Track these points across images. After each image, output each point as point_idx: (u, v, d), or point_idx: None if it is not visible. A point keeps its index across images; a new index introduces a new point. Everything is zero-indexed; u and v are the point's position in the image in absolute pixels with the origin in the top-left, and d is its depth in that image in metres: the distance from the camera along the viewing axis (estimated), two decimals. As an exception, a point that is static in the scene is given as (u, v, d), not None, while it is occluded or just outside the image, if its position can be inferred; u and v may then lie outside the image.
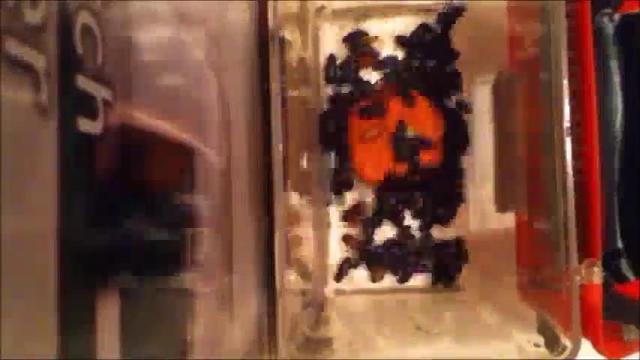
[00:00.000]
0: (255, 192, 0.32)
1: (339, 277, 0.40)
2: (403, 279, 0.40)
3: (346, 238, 0.41)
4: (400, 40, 0.41)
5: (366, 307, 0.39)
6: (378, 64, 0.41)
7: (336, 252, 0.41)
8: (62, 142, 0.14)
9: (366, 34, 0.41)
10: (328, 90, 0.41)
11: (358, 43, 0.41)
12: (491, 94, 0.39)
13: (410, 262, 0.40)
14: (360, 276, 0.41)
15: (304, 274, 0.36)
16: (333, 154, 0.41)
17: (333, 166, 0.41)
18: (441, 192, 0.41)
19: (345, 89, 0.41)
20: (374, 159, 0.40)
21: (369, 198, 0.41)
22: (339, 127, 0.40)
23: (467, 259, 0.40)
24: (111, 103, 0.17)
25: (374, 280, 0.40)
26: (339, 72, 0.40)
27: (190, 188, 0.24)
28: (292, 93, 0.33)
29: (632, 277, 0.30)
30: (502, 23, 0.38)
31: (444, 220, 0.41)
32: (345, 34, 0.41)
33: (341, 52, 0.41)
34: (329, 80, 0.41)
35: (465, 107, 0.41)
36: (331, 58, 0.41)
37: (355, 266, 0.41)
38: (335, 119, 0.40)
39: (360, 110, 0.40)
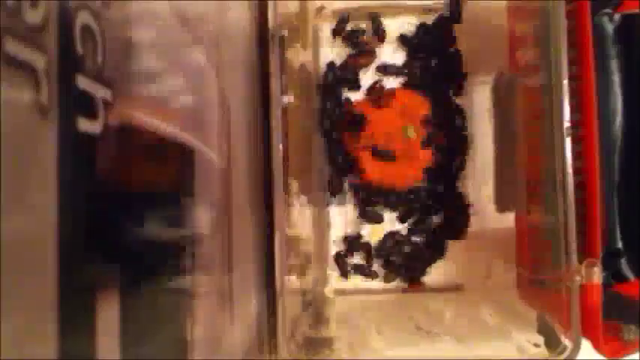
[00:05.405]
0: (255, 192, 0.32)
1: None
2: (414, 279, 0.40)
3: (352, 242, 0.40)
4: (401, 40, 0.41)
5: (366, 307, 0.39)
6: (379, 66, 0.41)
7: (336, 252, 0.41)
8: (62, 142, 0.14)
9: (364, 33, 0.41)
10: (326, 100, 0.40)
11: (358, 43, 0.40)
12: (491, 95, 0.39)
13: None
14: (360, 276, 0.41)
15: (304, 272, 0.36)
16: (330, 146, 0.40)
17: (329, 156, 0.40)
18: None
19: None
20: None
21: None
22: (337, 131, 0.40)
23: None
24: (111, 103, 0.17)
25: (387, 281, 0.40)
26: (339, 73, 0.40)
27: (190, 188, 0.24)
28: (292, 93, 0.33)
29: (632, 277, 0.30)
30: (502, 23, 0.38)
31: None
32: (333, 25, 0.40)
33: (340, 52, 0.41)
34: (326, 90, 0.40)
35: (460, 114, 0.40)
36: (330, 66, 0.40)
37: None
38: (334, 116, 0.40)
39: (344, 127, 0.39)
